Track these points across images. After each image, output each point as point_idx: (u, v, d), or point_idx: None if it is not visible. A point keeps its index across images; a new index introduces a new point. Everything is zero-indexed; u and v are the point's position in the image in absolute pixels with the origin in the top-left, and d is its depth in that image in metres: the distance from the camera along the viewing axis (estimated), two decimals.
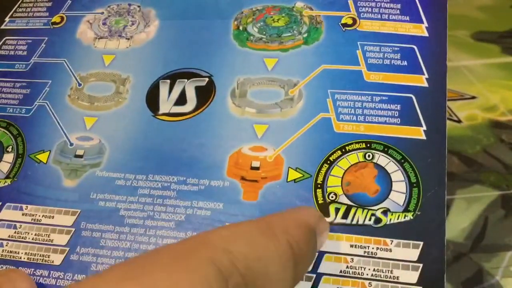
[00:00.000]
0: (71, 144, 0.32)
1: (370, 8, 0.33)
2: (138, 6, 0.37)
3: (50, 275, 0.28)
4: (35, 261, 0.29)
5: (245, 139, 0.30)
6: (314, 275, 0.26)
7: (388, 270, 0.26)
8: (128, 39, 0.36)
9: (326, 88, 0.31)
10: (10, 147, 0.33)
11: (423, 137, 0.29)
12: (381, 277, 0.26)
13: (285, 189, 0.29)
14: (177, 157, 0.30)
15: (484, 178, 0.38)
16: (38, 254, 0.29)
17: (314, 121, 0.30)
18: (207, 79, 0.33)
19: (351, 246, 0.27)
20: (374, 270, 0.26)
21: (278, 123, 0.30)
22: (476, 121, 0.42)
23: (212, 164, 0.30)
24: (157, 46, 0.35)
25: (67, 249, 0.29)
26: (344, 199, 0.28)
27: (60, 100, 0.34)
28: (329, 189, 0.28)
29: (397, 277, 0.26)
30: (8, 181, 0.32)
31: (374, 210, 0.27)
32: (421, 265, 0.26)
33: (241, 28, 0.34)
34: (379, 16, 0.33)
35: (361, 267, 0.26)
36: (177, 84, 0.33)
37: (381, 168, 0.28)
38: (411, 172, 0.28)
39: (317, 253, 0.26)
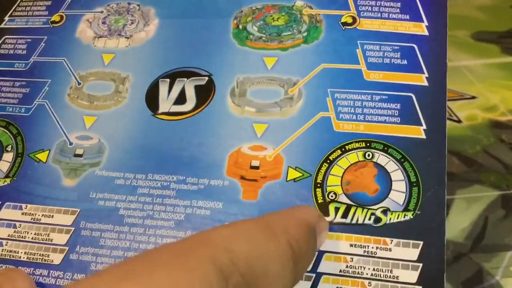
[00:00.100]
0: (71, 143, 0.32)
1: (370, 7, 0.33)
2: (138, 5, 0.37)
3: (50, 275, 0.28)
4: (35, 261, 0.29)
5: (244, 138, 0.30)
6: (314, 275, 0.26)
7: (388, 270, 0.26)
8: (128, 38, 0.36)
9: (326, 87, 0.31)
10: (10, 146, 0.33)
11: (423, 136, 0.29)
12: (380, 276, 0.26)
13: (285, 188, 0.28)
14: (177, 156, 0.30)
15: (484, 178, 0.38)
16: (37, 253, 0.29)
17: (314, 120, 0.30)
18: (206, 78, 0.33)
19: (351, 245, 0.27)
20: (373, 269, 0.26)
21: (278, 122, 0.30)
22: (476, 121, 0.41)
23: (212, 163, 0.30)
24: (157, 45, 0.35)
25: (67, 248, 0.29)
26: (343, 199, 0.28)
27: (59, 99, 0.34)
28: (328, 189, 0.28)
29: (397, 277, 0.25)
30: (8, 181, 0.32)
31: (374, 209, 0.27)
32: (421, 264, 0.26)
33: (240, 27, 0.34)
34: (379, 14, 0.33)
35: (361, 267, 0.26)
36: (177, 83, 0.33)
37: (381, 168, 0.28)
38: (411, 172, 0.28)
39: (316, 252, 0.26)
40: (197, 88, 0.32)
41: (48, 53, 0.36)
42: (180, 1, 0.36)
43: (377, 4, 0.33)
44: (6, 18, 0.39)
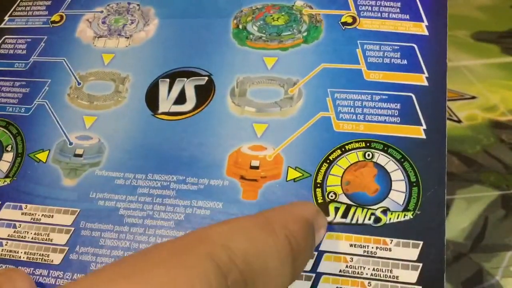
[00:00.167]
0: (71, 143, 0.32)
1: (370, 7, 0.33)
2: (138, 5, 0.37)
3: (50, 275, 0.28)
4: (35, 261, 0.29)
5: (244, 138, 0.30)
6: (314, 275, 0.26)
7: (388, 270, 0.26)
8: (128, 38, 0.36)
9: (326, 87, 0.31)
10: (10, 146, 0.33)
11: (423, 136, 0.29)
12: (380, 276, 0.26)
13: (285, 188, 0.28)
14: (177, 156, 0.30)
15: (484, 178, 0.38)
16: (37, 253, 0.29)
17: (314, 120, 0.30)
18: (206, 78, 0.33)
19: (351, 245, 0.27)
20: (373, 269, 0.26)
21: (278, 122, 0.30)
22: (476, 121, 0.41)
23: (212, 163, 0.30)
24: (157, 45, 0.35)
25: (67, 248, 0.29)
26: (343, 199, 0.28)
27: (59, 99, 0.34)
28: (328, 188, 0.28)
29: (397, 277, 0.25)
30: (8, 180, 0.32)
31: (373, 209, 0.27)
32: (420, 264, 0.26)
33: (240, 26, 0.34)
34: (379, 14, 0.33)
35: (361, 267, 0.26)
36: (177, 83, 0.33)
37: (380, 167, 0.28)
38: (411, 171, 0.28)
39: (316, 253, 0.26)
40: (197, 88, 0.32)
41: (48, 53, 0.36)
42: (180, 1, 0.36)
43: (377, 4, 0.33)
44: (6, 18, 0.38)
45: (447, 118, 0.29)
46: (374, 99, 0.30)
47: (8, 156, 0.32)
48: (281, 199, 0.28)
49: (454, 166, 0.39)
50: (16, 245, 0.29)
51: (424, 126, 0.29)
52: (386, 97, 0.30)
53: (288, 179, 0.29)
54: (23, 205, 0.31)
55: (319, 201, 0.28)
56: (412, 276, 0.25)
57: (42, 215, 0.30)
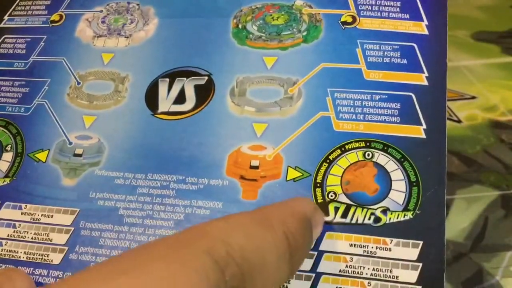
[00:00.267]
0: (70, 143, 0.32)
1: (370, 6, 0.33)
2: (137, 4, 0.37)
3: (49, 274, 0.28)
4: (34, 260, 0.29)
5: (244, 138, 0.30)
6: (313, 275, 0.26)
7: (388, 270, 0.26)
8: (127, 37, 0.36)
9: (326, 86, 0.31)
10: (9, 146, 0.33)
11: (423, 135, 0.29)
12: (380, 276, 0.26)
13: (285, 188, 0.28)
14: (176, 156, 0.30)
15: (484, 178, 0.38)
16: (37, 253, 0.29)
17: (314, 119, 0.30)
18: (206, 77, 0.33)
19: (351, 245, 0.26)
20: (373, 269, 0.26)
21: (278, 122, 0.30)
22: (476, 121, 0.41)
23: (211, 163, 0.30)
24: (156, 44, 0.35)
25: (66, 248, 0.29)
26: (343, 198, 0.28)
27: (59, 99, 0.34)
28: (328, 188, 0.28)
29: (397, 277, 0.25)
30: (7, 180, 0.32)
31: (373, 209, 0.27)
32: (420, 264, 0.26)
33: (240, 26, 0.34)
34: (379, 14, 0.33)
35: (361, 267, 0.26)
36: (176, 82, 0.33)
37: (380, 167, 0.28)
38: (410, 171, 0.28)
39: (314, 248, 0.26)
40: (197, 88, 0.32)
41: (48, 53, 0.36)
42: (179, 0, 0.36)
43: (377, 3, 0.33)
44: (6, 17, 0.38)
45: (447, 118, 0.29)
46: (374, 98, 0.30)
47: (8, 156, 0.32)
48: (281, 199, 0.28)
49: (454, 166, 0.39)
50: (16, 245, 0.29)
51: (424, 126, 0.29)
52: (386, 96, 0.30)
53: (288, 179, 0.29)
54: (23, 205, 0.30)
55: (319, 201, 0.28)
56: (412, 276, 0.25)
57: (42, 215, 0.30)
